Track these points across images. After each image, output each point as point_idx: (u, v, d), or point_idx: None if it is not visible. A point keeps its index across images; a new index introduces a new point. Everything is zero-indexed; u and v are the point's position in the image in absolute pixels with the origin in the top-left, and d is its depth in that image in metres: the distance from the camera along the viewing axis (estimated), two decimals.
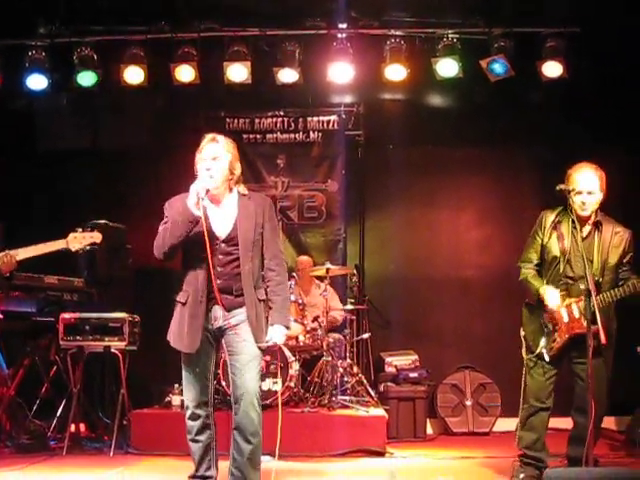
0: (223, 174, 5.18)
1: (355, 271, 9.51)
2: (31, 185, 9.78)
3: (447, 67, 9.07)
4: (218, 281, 5.11)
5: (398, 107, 10.16)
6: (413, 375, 8.90)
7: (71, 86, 9.37)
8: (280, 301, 5.24)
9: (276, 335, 5.20)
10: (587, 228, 5.77)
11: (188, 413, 5.24)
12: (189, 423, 5.24)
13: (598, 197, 5.69)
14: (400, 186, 9.91)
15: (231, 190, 5.29)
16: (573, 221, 5.75)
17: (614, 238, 5.74)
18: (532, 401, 5.87)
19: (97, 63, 9.24)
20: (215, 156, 5.17)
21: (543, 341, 5.74)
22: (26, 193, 9.68)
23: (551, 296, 5.72)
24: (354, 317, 9.15)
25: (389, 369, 9.15)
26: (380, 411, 7.96)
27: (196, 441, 5.25)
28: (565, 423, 6.10)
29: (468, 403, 9.03)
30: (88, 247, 6.23)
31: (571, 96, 9.20)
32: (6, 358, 7.72)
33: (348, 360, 8.75)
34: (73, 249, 6.16)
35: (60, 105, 10.00)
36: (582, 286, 5.41)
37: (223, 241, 5.15)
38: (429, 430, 9.05)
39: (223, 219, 5.21)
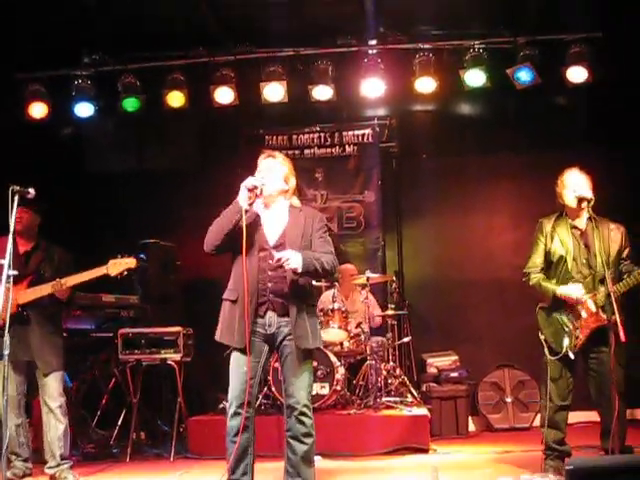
0: (277, 183, 5.49)
1: (395, 277, 9.75)
2: (80, 207, 10.12)
3: (475, 77, 9.24)
4: (269, 284, 5.32)
5: (429, 118, 10.41)
6: (454, 375, 9.17)
7: (116, 112, 9.72)
8: (316, 255, 5.36)
9: (291, 255, 5.19)
10: (584, 227, 6.07)
11: (230, 412, 5.31)
12: (230, 423, 5.31)
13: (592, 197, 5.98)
14: (434, 194, 10.18)
15: (285, 201, 5.58)
16: (571, 223, 6.11)
17: (611, 234, 6.01)
18: (557, 400, 6.08)
19: (140, 89, 9.62)
20: (270, 167, 5.51)
21: (566, 341, 5.94)
22: (75, 215, 10.00)
23: (573, 288, 5.94)
24: (395, 322, 9.35)
25: (431, 370, 9.41)
26: (423, 410, 8.17)
27: (235, 442, 5.28)
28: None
29: (508, 400, 9.19)
30: (125, 272, 6.56)
31: (595, 99, 9.29)
32: (69, 372, 8.14)
33: (391, 363, 9.03)
34: (112, 274, 6.55)
35: (106, 130, 10.44)
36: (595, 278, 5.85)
37: (273, 247, 5.37)
38: (471, 427, 9.28)
39: (274, 225, 5.47)
